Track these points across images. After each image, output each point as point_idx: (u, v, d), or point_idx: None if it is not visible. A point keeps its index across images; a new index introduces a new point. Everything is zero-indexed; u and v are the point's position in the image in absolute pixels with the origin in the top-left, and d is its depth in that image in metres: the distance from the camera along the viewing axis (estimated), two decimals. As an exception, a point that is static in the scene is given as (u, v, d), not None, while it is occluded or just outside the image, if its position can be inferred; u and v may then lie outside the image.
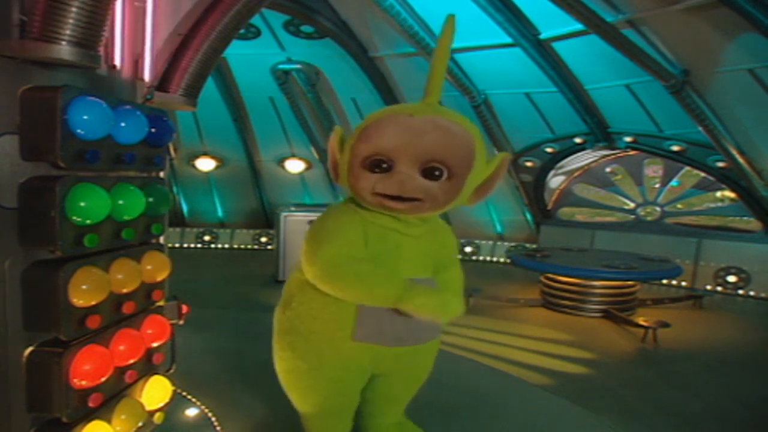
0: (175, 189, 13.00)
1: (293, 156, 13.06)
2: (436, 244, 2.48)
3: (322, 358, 2.40)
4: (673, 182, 11.16)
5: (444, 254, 2.53)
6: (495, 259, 12.18)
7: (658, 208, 11.22)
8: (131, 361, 2.22)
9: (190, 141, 12.60)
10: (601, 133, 10.02)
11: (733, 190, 9.61)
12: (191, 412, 3.27)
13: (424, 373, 2.69)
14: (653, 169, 11.46)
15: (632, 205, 11.57)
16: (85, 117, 1.86)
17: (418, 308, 2.18)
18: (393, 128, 2.18)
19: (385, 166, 2.18)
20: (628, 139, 10.02)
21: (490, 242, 12.36)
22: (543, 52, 9.10)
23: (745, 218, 10.21)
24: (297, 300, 2.43)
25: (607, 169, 11.82)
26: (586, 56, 8.86)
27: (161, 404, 2.50)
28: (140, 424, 2.33)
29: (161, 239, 2.53)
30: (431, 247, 2.44)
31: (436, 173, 2.15)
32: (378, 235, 2.32)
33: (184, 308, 2.73)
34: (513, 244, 12.15)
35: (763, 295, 9.18)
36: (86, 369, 1.94)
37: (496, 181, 2.31)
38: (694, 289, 9.45)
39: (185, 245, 12.66)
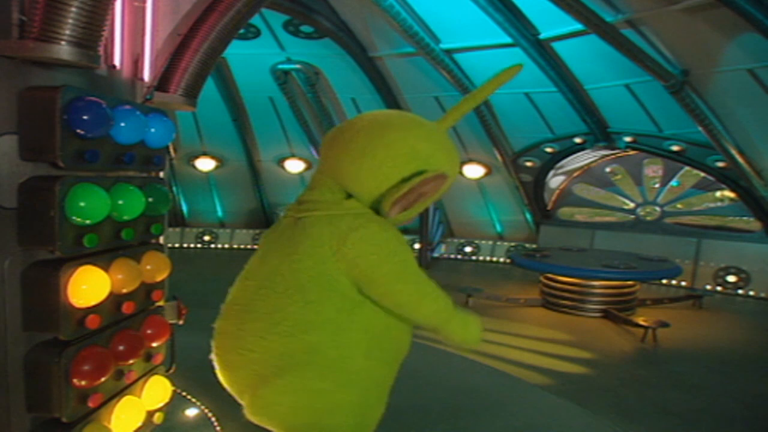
0: (174, 189, 12.99)
1: (293, 156, 13.05)
2: None
3: (381, 379, 2.23)
4: (673, 182, 11.15)
5: None
6: (495, 259, 12.18)
7: (657, 208, 11.21)
8: (131, 361, 2.22)
9: (190, 141, 12.59)
10: (600, 133, 10.01)
11: (732, 190, 9.61)
12: (191, 412, 3.27)
13: None
14: (653, 169, 11.46)
15: (632, 205, 11.57)
16: (84, 117, 1.86)
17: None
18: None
19: None
20: (627, 139, 10.01)
21: (490, 242, 12.35)
22: (543, 52, 9.09)
23: (744, 218, 10.21)
24: (329, 329, 2.11)
25: (607, 169, 11.82)
26: (586, 56, 8.86)
27: (161, 404, 2.50)
28: (140, 424, 2.33)
29: (161, 239, 2.53)
30: None
31: None
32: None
33: (184, 308, 2.73)
34: (513, 244, 12.14)
35: (762, 295, 9.18)
36: (86, 369, 1.94)
37: None
38: (694, 288, 9.45)
39: (185, 245, 12.66)
